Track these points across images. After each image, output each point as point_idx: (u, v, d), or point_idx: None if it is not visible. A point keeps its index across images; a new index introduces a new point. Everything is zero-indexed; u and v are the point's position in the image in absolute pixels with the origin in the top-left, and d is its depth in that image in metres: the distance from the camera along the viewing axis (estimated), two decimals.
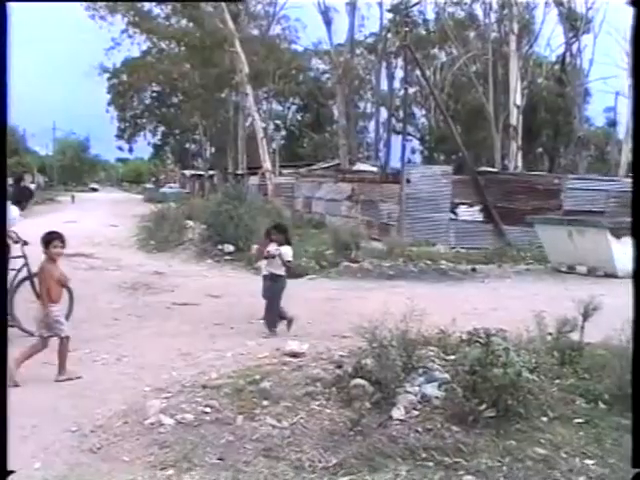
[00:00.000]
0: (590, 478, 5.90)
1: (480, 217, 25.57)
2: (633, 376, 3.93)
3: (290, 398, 7.24)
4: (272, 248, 11.14)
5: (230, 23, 40.19)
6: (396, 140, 47.92)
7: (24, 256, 10.48)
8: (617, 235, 19.21)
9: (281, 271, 11.18)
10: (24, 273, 10.54)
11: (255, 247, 12.43)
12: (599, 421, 7.05)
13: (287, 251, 11.19)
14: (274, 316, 11.02)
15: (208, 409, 6.94)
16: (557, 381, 7.92)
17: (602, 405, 7.57)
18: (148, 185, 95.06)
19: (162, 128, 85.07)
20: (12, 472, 4.50)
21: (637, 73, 3.86)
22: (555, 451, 6.30)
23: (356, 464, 5.87)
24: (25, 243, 10.63)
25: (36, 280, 9.17)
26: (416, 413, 6.80)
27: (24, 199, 12.13)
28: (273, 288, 11.13)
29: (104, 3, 45.78)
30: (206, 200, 33.13)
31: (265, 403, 7.11)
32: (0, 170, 4.54)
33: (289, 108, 78.25)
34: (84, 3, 45.03)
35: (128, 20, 48.89)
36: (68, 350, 8.45)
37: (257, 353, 9.36)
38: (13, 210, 10.59)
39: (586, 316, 8.82)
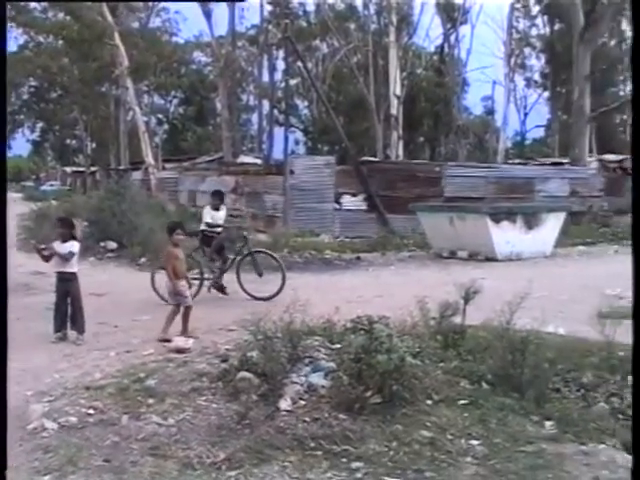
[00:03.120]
0: (476, 458, 6.01)
1: (364, 206, 25.84)
2: (633, 376, 3.98)
3: (176, 395, 7.15)
4: (56, 245, 10.48)
5: (109, 16, 39.39)
6: (280, 132, 48.02)
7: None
8: (496, 220, 19.76)
9: (74, 268, 10.52)
10: None
11: (41, 246, 11.29)
12: (483, 402, 7.20)
13: (72, 247, 10.45)
14: (82, 319, 10.41)
15: (92, 410, 6.78)
16: (441, 364, 8.06)
17: (486, 386, 7.75)
18: (28, 183, 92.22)
19: (41, 124, 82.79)
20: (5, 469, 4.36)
21: (637, 72, 3.90)
22: (441, 433, 6.40)
23: (244, 458, 5.83)
24: None
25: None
26: (303, 403, 6.81)
27: None
28: (72, 288, 10.48)
29: None
30: (88, 197, 32.37)
31: (150, 401, 7.00)
32: (0, 167, 4.38)
33: (171, 101, 77.25)
34: None
35: None
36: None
37: (142, 351, 9.19)
38: None
39: (467, 299, 9.01)
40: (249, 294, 12.93)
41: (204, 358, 8.42)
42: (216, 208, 13.75)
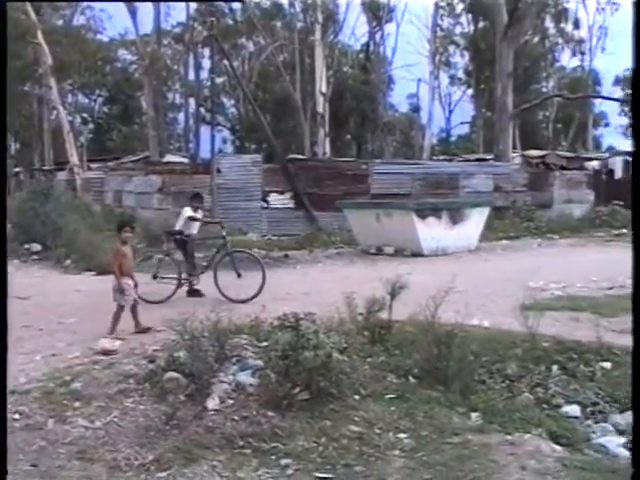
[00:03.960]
0: (403, 451, 6.09)
1: (291, 204, 25.85)
2: (633, 376, 4.02)
3: (102, 397, 7.08)
4: None
5: (32, 14, 38.60)
6: (207, 130, 47.71)
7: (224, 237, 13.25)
8: (422, 216, 19.99)
9: None
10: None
11: None
12: (410, 395, 7.31)
13: None
14: None
15: (17, 415, 6.67)
16: (369, 359, 8.14)
17: (412, 379, 7.87)
18: None
19: None
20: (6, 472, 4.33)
21: (637, 72, 3.93)
22: (369, 427, 6.47)
23: (173, 458, 5.83)
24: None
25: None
26: (231, 402, 6.82)
27: None
28: None
29: None
30: (12, 198, 31.71)
31: (77, 404, 6.92)
32: (0, 166, 4.27)
33: (96, 100, 75.90)
34: None
35: None
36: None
37: (68, 354, 9.04)
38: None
39: (394, 295, 9.11)
40: (226, 297, 12.60)
41: (131, 359, 8.33)
42: (195, 211, 13.55)
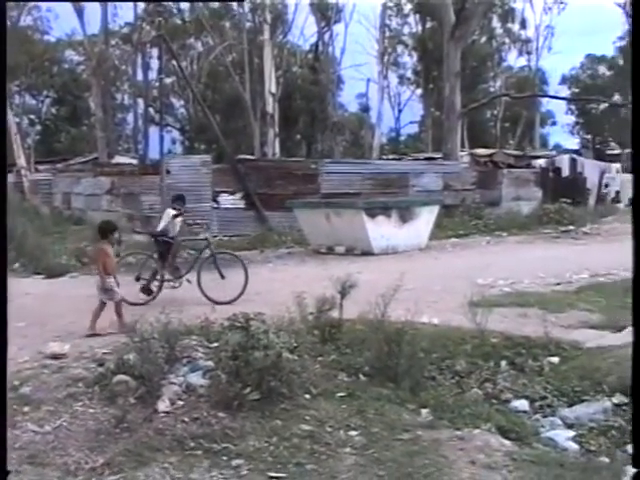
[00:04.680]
0: (355, 449, 6.13)
1: (241, 204, 25.71)
2: (633, 376, 4.03)
3: (52, 401, 7.00)
4: None
5: None
6: (156, 131, 47.38)
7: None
8: (372, 215, 20.08)
9: None
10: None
11: None
12: (361, 393, 7.36)
13: None
14: None
15: None
16: (320, 358, 8.18)
17: (363, 377, 7.93)
18: None
19: None
20: (9, 472, 4.33)
21: (637, 72, 3.94)
22: (320, 426, 6.50)
23: (124, 461, 5.79)
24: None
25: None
26: (182, 403, 6.80)
27: None
28: None
29: None
30: None
31: (26, 409, 6.83)
32: (0, 170, 4.20)
33: (43, 102, 74.97)
34: None
35: None
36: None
37: (17, 358, 8.92)
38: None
39: (344, 294, 9.15)
40: (209, 298, 12.45)
41: (80, 363, 8.24)
42: (178, 213, 13.53)
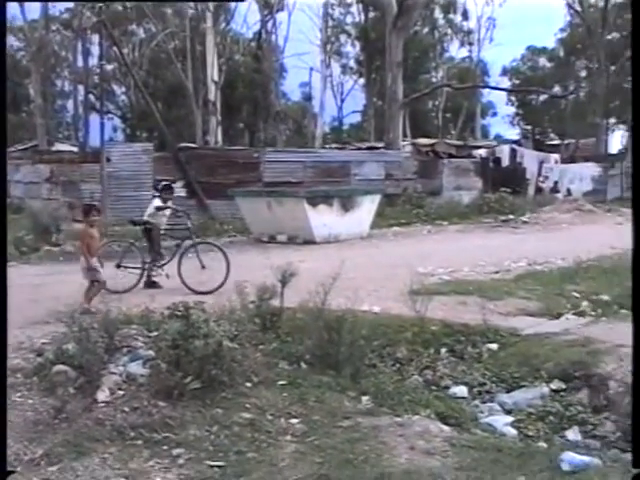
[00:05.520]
0: (295, 436, 6.16)
1: (183, 193, 25.49)
2: (633, 376, 4.06)
3: None
4: None
5: None
6: (96, 119, 46.64)
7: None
8: (313, 203, 20.11)
9: None
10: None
11: None
12: (302, 381, 7.39)
13: None
14: None
15: None
16: (261, 347, 8.19)
17: (304, 365, 7.97)
18: None
19: None
20: (12, 472, 4.40)
21: (637, 70, 3.95)
22: (261, 414, 6.52)
23: (63, 452, 5.73)
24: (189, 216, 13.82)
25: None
26: (122, 393, 6.74)
27: None
28: None
29: None
30: None
31: None
32: (0, 166, 4.09)
33: None
34: None
35: None
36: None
37: None
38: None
39: (285, 282, 9.17)
40: (189, 288, 12.42)
41: (19, 353, 8.12)
42: (164, 202, 13.54)
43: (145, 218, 13.47)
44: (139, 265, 12.98)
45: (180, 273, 12.77)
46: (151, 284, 13.08)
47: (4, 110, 4.32)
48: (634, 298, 4.05)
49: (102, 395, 6.63)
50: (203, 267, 12.96)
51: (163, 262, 13.21)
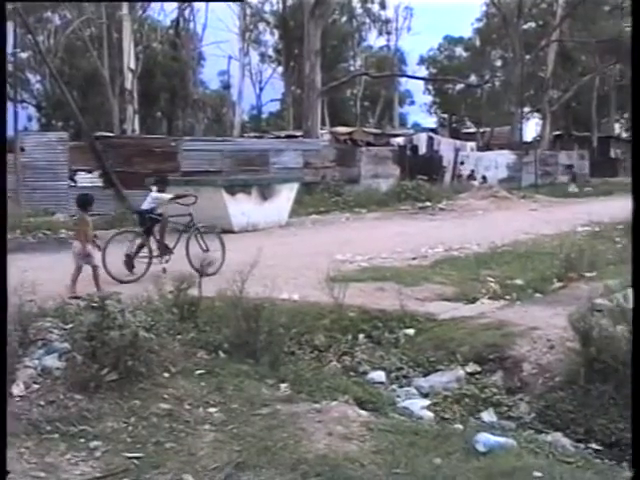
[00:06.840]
0: (214, 425, 6.17)
1: (100, 183, 25.13)
2: (633, 376, 4.07)
3: None
4: None
5: None
6: (10, 107, 45.66)
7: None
8: (232, 192, 20.08)
9: None
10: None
11: None
12: (220, 370, 7.40)
13: None
14: None
15: None
16: (178, 337, 8.16)
17: (222, 354, 7.97)
18: None
19: None
20: (8, 472, 4.27)
21: (637, 69, 3.95)
22: (179, 404, 6.51)
23: None
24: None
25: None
26: (37, 387, 6.64)
27: None
28: None
29: None
30: None
31: None
32: (0, 169, 3.93)
33: None
34: None
35: None
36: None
37: None
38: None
39: (202, 272, 9.16)
40: (198, 271, 12.42)
41: None
42: (161, 192, 13.83)
43: (145, 208, 13.63)
44: (145, 253, 13.14)
45: (189, 257, 12.77)
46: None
47: (4, 110, 4.26)
48: (634, 299, 4.13)
49: (17, 389, 6.53)
50: (207, 251, 13.13)
51: (170, 253, 13.38)
